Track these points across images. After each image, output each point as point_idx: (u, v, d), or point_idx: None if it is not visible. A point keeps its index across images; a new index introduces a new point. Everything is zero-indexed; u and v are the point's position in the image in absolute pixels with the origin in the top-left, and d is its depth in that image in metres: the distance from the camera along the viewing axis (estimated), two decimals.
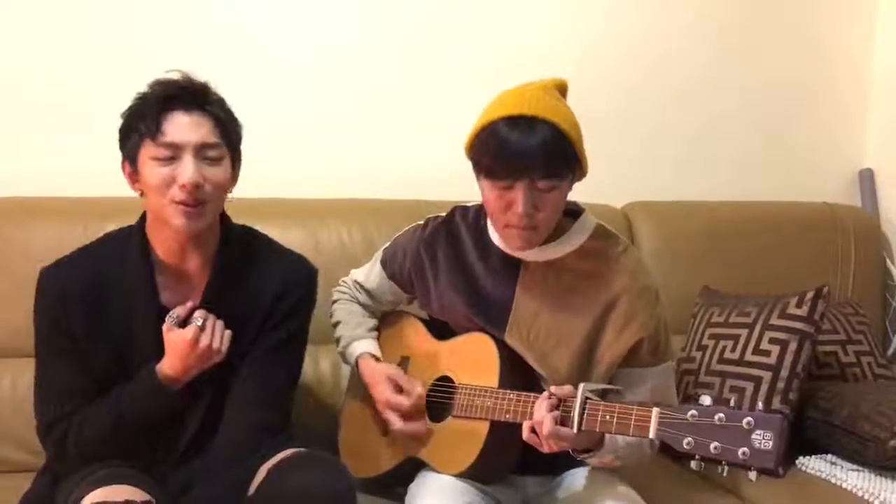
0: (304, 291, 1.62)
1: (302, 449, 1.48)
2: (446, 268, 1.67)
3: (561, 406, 1.39)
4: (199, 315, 1.51)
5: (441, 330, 1.73)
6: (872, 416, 1.89)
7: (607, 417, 1.35)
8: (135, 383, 1.51)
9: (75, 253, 1.57)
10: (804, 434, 2.04)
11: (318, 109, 2.35)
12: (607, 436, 1.42)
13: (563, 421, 1.38)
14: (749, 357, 1.99)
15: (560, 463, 1.59)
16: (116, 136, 1.51)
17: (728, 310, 2.13)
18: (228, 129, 1.51)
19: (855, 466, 1.92)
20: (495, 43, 2.45)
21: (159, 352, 1.50)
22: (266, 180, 1.99)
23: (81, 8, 2.18)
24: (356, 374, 1.78)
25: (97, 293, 1.51)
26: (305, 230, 2.13)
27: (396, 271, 1.78)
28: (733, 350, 2.03)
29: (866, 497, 1.81)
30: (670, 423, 1.28)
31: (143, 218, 1.56)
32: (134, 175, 1.50)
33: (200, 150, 1.46)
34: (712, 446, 1.24)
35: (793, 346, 1.95)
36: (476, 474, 1.57)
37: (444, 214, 1.74)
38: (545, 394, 1.42)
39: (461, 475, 1.57)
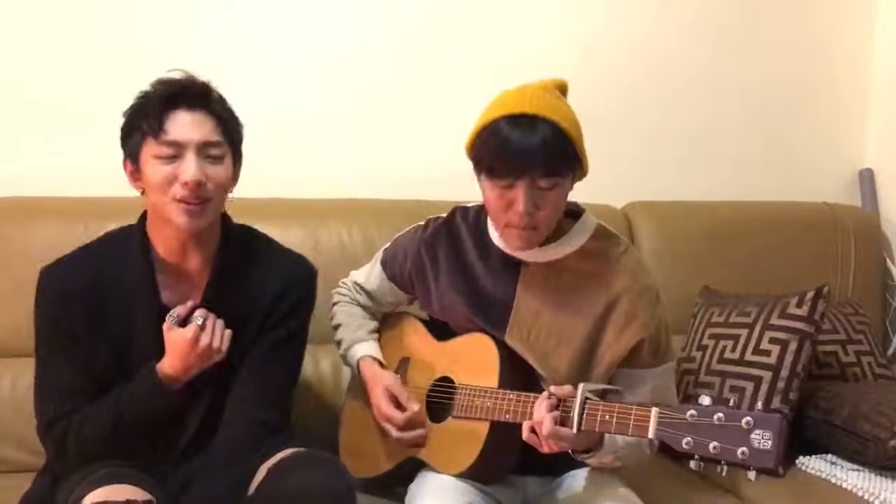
0: (303, 291, 1.62)
1: (302, 449, 1.49)
2: (447, 268, 1.67)
3: (560, 406, 1.39)
4: (199, 314, 1.51)
5: (441, 330, 1.73)
6: (872, 415, 1.89)
7: (607, 417, 1.35)
8: (135, 382, 1.51)
9: (76, 252, 1.57)
10: (804, 434, 2.04)
11: (318, 109, 2.35)
12: (607, 436, 1.42)
13: (563, 421, 1.38)
14: (749, 357, 2.00)
15: (560, 463, 1.59)
16: (117, 136, 1.51)
17: (728, 310, 2.14)
18: (230, 128, 1.52)
19: (855, 466, 1.92)
20: (495, 43, 2.45)
21: (160, 351, 1.50)
22: (266, 180, 1.99)
23: (81, 8, 2.18)
24: (357, 376, 1.79)
25: (97, 292, 1.51)
26: (305, 230, 2.13)
27: (397, 272, 1.78)
28: (733, 350, 2.03)
29: (866, 497, 1.81)
30: (669, 422, 1.28)
31: (143, 217, 1.56)
32: (136, 173, 1.50)
33: (203, 149, 1.47)
34: (711, 446, 1.23)
35: (793, 346, 1.96)
36: (476, 474, 1.57)
37: (444, 215, 1.74)
38: (545, 394, 1.42)
39: (461, 475, 1.57)
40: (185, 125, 1.46)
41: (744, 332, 2.04)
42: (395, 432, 1.65)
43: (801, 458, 2.00)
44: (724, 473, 1.26)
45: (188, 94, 1.47)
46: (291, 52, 2.33)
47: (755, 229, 2.45)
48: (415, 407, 1.64)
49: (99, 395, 1.51)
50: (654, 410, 1.30)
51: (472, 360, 1.63)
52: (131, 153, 1.49)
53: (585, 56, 2.49)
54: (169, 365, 1.49)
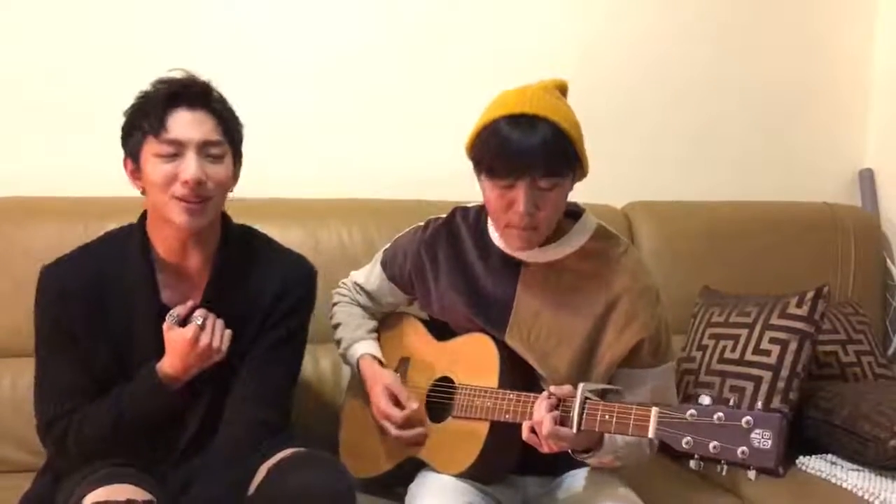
0: (303, 291, 1.62)
1: (302, 449, 1.49)
2: (447, 268, 1.67)
3: (560, 406, 1.39)
4: (199, 314, 1.51)
5: (441, 331, 1.73)
6: (872, 415, 1.89)
7: (606, 417, 1.35)
8: (135, 382, 1.51)
9: (76, 251, 1.57)
10: (804, 434, 2.04)
11: (318, 109, 2.35)
12: (606, 435, 1.42)
13: (563, 421, 1.38)
14: (749, 357, 2.00)
15: (560, 463, 1.59)
16: (117, 136, 1.51)
17: (728, 310, 2.14)
18: (230, 128, 1.52)
19: (855, 466, 1.92)
20: (495, 43, 2.45)
21: (159, 350, 1.50)
22: (266, 180, 1.99)
23: (81, 8, 2.18)
24: (357, 375, 1.79)
25: (98, 291, 1.51)
26: (305, 230, 2.13)
27: (397, 273, 1.78)
28: (733, 350, 2.03)
29: (866, 497, 1.81)
30: (669, 422, 1.28)
31: (143, 217, 1.56)
32: (136, 172, 1.50)
33: (203, 148, 1.47)
34: (711, 445, 1.23)
35: (793, 346, 1.96)
36: (476, 474, 1.57)
37: (444, 216, 1.74)
38: (545, 394, 1.42)
39: (461, 475, 1.57)
40: (186, 124, 1.46)
41: (744, 332, 2.04)
42: (394, 430, 1.65)
43: (801, 457, 2.00)
44: (724, 473, 1.26)
45: (189, 93, 1.48)
46: (291, 52, 2.33)
47: (755, 229, 2.45)
48: (414, 405, 1.64)
49: (99, 395, 1.51)
50: (654, 410, 1.30)
51: (472, 360, 1.63)
52: (132, 152, 1.49)
53: (585, 56, 2.49)
54: (169, 365, 1.50)
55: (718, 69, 2.63)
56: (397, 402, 1.66)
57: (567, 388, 1.41)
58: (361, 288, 1.85)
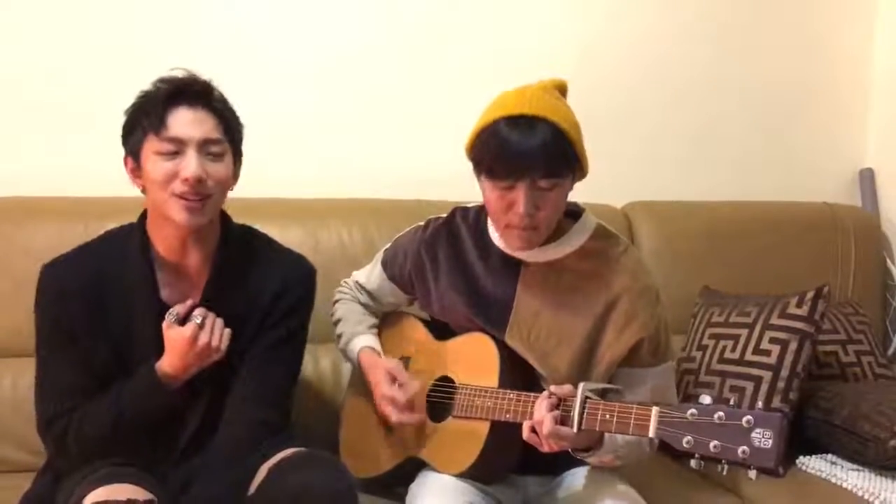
0: (303, 291, 1.63)
1: (302, 448, 1.49)
2: (447, 268, 1.67)
3: (561, 405, 1.39)
4: (198, 313, 1.51)
5: (441, 330, 1.73)
6: (873, 415, 1.89)
7: (607, 416, 1.35)
8: (134, 381, 1.51)
9: (75, 250, 1.57)
10: (804, 433, 2.04)
11: (318, 109, 2.35)
12: (607, 435, 1.42)
13: (563, 420, 1.38)
14: (749, 357, 2.00)
15: (560, 462, 1.59)
16: (117, 135, 1.51)
17: (728, 310, 2.14)
18: (231, 127, 1.52)
19: (855, 466, 1.92)
20: (495, 43, 2.45)
21: (159, 349, 1.50)
22: (266, 180, 1.99)
23: (81, 8, 2.18)
24: (357, 371, 1.79)
25: (97, 290, 1.51)
26: (305, 230, 2.13)
27: (397, 273, 1.78)
28: (733, 350, 2.03)
29: (866, 497, 1.81)
30: (670, 421, 1.28)
31: (143, 216, 1.56)
32: (136, 171, 1.50)
33: (203, 146, 1.47)
34: (712, 445, 1.23)
35: (793, 346, 1.96)
36: (476, 474, 1.57)
37: (444, 215, 1.74)
38: (545, 393, 1.42)
39: (462, 475, 1.57)
40: (187, 122, 1.46)
41: (744, 331, 2.04)
42: (395, 415, 1.63)
43: (801, 457, 2.00)
44: (724, 472, 1.26)
45: (190, 91, 1.48)
46: (291, 52, 2.33)
47: (755, 229, 2.45)
48: (416, 383, 1.63)
49: (99, 393, 1.51)
50: (655, 409, 1.30)
51: (472, 359, 1.63)
52: (132, 150, 1.49)
53: (585, 56, 2.49)
54: (168, 363, 1.50)
55: (718, 69, 2.63)
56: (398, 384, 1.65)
57: (567, 387, 1.41)
58: (363, 287, 1.85)
